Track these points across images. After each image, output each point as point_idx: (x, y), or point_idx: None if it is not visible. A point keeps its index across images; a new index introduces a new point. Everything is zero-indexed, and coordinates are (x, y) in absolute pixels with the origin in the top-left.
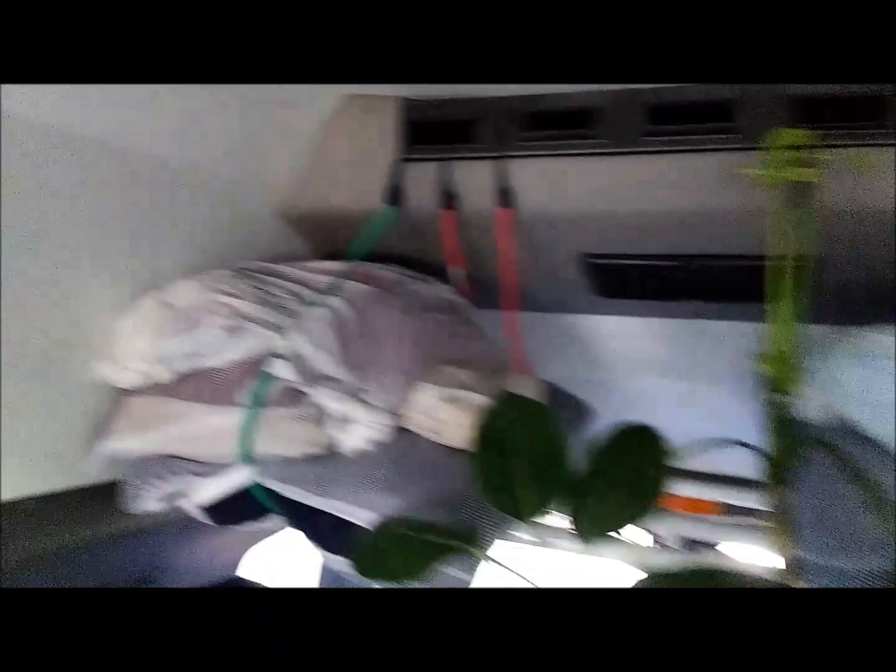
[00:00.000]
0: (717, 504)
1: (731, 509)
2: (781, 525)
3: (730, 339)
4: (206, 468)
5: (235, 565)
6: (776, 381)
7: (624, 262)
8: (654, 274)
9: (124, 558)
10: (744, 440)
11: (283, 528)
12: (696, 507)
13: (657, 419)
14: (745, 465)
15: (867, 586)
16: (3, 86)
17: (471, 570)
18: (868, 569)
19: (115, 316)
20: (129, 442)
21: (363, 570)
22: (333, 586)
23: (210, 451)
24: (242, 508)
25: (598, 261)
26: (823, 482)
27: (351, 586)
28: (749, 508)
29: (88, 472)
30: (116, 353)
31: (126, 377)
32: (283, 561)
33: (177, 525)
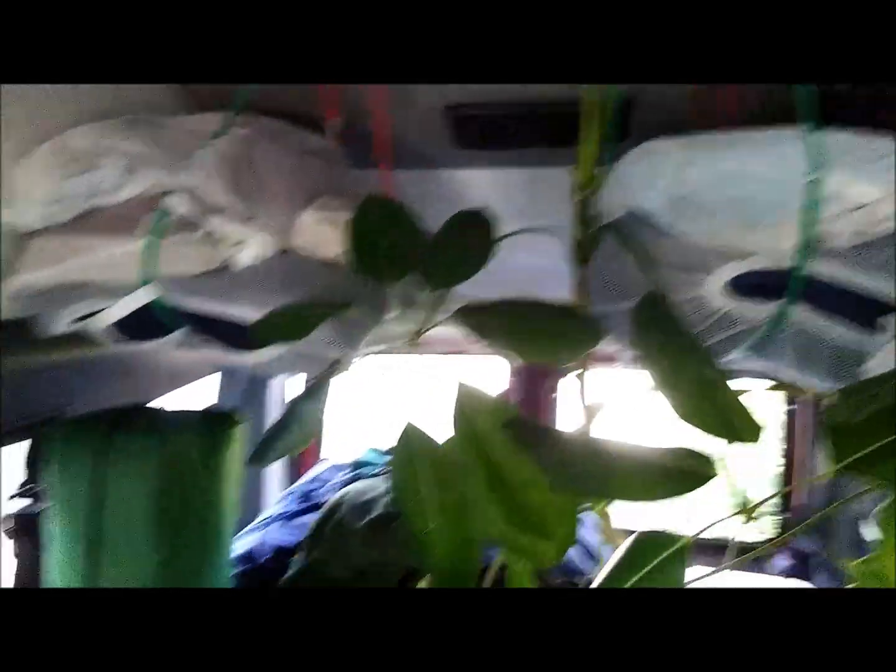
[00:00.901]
0: None
1: None
2: (582, 290)
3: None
4: (111, 291)
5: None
6: (581, 182)
7: (481, 111)
8: (508, 121)
9: (37, 390)
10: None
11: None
12: None
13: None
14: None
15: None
16: None
17: (355, 341)
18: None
19: (14, 162)
20: (36, 276)
21: (262, 339)
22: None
23: (114, 276)
24: (149, 325)
25: (460, 111)
26: (610, 257)
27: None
28: None
29: None
30: (17, 197)
31: (28, 219)
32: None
33: (87, 358)
